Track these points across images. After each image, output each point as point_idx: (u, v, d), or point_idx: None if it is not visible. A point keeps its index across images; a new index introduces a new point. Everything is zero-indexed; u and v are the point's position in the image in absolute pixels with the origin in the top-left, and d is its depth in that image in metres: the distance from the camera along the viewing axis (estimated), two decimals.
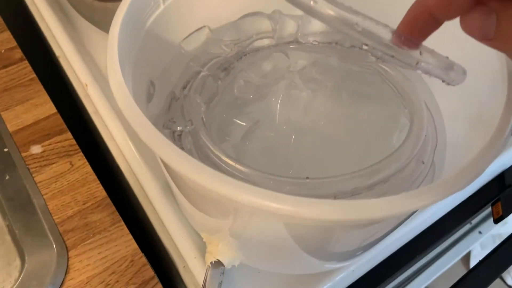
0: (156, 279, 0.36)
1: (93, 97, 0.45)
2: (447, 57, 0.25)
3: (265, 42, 0.39)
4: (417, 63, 0.23)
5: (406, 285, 0.95)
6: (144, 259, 0.37)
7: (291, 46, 0.38)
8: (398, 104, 0.35)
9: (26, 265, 0.36)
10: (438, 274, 0.95)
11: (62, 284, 0.35)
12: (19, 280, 0.35)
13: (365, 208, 0.20)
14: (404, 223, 0.36)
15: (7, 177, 0.40)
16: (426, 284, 0.94)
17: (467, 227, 1.08)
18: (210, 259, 0.33)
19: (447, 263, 0.97)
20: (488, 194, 0.45)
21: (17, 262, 0.37)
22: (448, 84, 0.27)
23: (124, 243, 0.38)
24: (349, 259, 0.35)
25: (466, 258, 1.22)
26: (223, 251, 0.33)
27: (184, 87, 0.36)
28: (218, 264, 0.33)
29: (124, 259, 0.37)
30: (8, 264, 0.37)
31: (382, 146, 0.34)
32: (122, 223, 0.39)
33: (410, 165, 0.31)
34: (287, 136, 0.34)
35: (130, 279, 0.36)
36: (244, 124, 0.34)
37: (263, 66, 0.38)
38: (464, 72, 0.26)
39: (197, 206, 0.32)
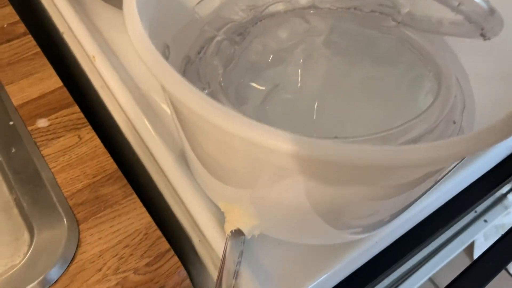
0: (172, 252, 0.35)
1: (101, 69, 0.44)
2: (488, 1, 0.23)
3: (281, 7, 0.38)
4: (458, 5, 0.22)
5: (410, 275, 0.94)
6: (158, 232, 0.36)
7: (311, 12, 0.37)
8: (422, 68, 0.34)
9: (35, 239, 0.34)
10: (443, 264, 0.94)
11: (73, 258, 0.34)
12: (28, 254, 0.34)
13: (412, 152, 0.19)
14: (430, 191, 0.35)
15: (13, 150, 0.39)
16: (430, 275, 0.93)
17: (472, 215, 1.07)
18: (230, 228, 0.32)
19: (452, 252, 0.96)
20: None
21: (26, 236, 0.35)
22: (484, 35, 0.26)
23: (137, 216, 0.36)
24: (375, 228, 0.33)
25: (470, 249, 1.21)
26: (243, 219, 0.32)
27: (199, 52, 0.34)
28: (238, 233, 0.32)
29: (137, 232, 0.35)
30: (16, 239, 0.35)
31: (409, 109, 0.32)
32: (135, 195, 0.37)
33: (440, 126, 0.29)
34: (308, 99, 0.32)
35: (144, 252, 0.34)
36: (263, 88, 0.33)
37: (280, 31, 0.36)
38: (502, 22, 0.25)
39: (216, 174, 0.31)
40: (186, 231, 0.38)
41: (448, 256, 0.93)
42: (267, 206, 0.30)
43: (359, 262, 0.36)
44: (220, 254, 0.32)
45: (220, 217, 0.34)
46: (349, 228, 0.32)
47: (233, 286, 0.31)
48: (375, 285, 0.38)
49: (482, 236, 1.18)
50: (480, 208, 1.04)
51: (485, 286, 0.49)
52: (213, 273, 0.36)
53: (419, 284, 0.89)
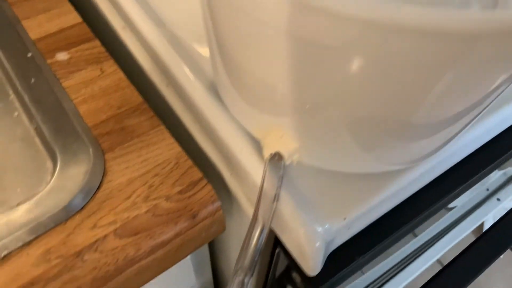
0: (205, 181, 0.33)
1: (124, 4, 0.41)
2: None
3: None
4: None
5: (418, 257, 0.92)
6: (190, 162, 0.34)
7: None
8: None
9: (58, 167, 0.32)
10: (452, 244, 0.92)
11: (99, 186, 0.32)
12: (51, 182, 0.32)
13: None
14: (478, 122, 0.33)
15: (33, 80, 0.37)
16: (438, 256, 0.91)
17: (485, 193, 1.06)
18: (269, 151, 0.30)
19: (462, 233, 0.94)
20: None
21: (49, 164, 0.33)
22: None
23: (167, 147, 0.34)
24: (424, 156, 0.31)
25: (479, 232, 1.20)
26: (282, 142, 0.30)
27: None
28: (277, 156, 0.30)
29: (167, 161, 0.33)
30: (38, 168, 0.33)
31: None
32: (163, 127, 0.35)
33: None
34: None
35: (176, 181, 0.32)
36: None
37: None
38: None
39: (253, 95, 0.29)
40: (216, 166, 0.36)
41: (458, 237, 0.91)
42: (307, 123, 0.28)
43: (401, 196, 0.34)
44: (258, 183, 0.30)
45: (257, 146, 0.32)
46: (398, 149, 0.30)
47: (274, 210, 0.29)
48: (417, 225, 0.36)
49: (492, 218, 1.17)
50: (492, 186, 1.02)
51: (491, 263, 0.47)
52: (246, 206, 0.34)
53: (427, 265, 0.88)
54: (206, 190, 0.32)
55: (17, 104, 0.36)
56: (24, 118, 0.36)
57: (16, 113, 0.36)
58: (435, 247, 0.91)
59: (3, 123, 0.36)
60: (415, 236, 0.92)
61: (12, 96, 0.37)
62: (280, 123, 0.30)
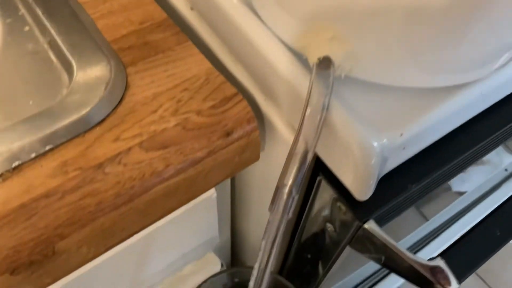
0: (240, 96, 0.29)
1: None
2: None
3: None
4: None
5: (431, 240, 0.89)
6: (222, 77, 0.30)
7: None
8: None
9: (74, 79, 0.29)
10: (466, 229, 0.89)
11: (121, 100, 0.28)
12: (67, 94, 0.28)
13: None
14: None
15: None
16: (451, 242, 0.87)
17: (503, 174, 1.02)
18: (316, 55, 0.26)
19: (478, 216, 0.91)
20: None
21: (64, 77, 0.30)
22: None
23: (195, 62, 0.30)
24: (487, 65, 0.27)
25: None
26: (333, 45, 0.26)
27: None
28: (326, 61, 0.26)
29: (196, 77, 0.30)
30: (53, 81, 0.30)
31: None
32: (190, 42, 0.32)
33: None
34: None
35: (207, 96, 0.29)
36: None
37: None
38: None
39: None
40: (248, 91, 0.32)
41: (473, 220, 0.88)
42: (364, 17, 0.25)
43: (458, 120, 0.30)
44: (303, 96, 0.26)
45: (299, 59, 0.28)
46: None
47: (323, 119, 0.25)
48: (472, 159, 0.33)
49: None
50: (511, 166, 0.99)
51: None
52: (284, 131, 0.31)
53: (440, 251, 0.84)
54: (242, 106, 0.28)
55: (28, 18, 0.33)
56: (36, 32, 0.32)
57: (27, 28, 0.32)
58: (448, 232, 0.88)
59: (12, 39, 0.32)
60: (427, 220, 0.88)
61: (23, 11, 0.33)
62: (331, 21, 0.26)
